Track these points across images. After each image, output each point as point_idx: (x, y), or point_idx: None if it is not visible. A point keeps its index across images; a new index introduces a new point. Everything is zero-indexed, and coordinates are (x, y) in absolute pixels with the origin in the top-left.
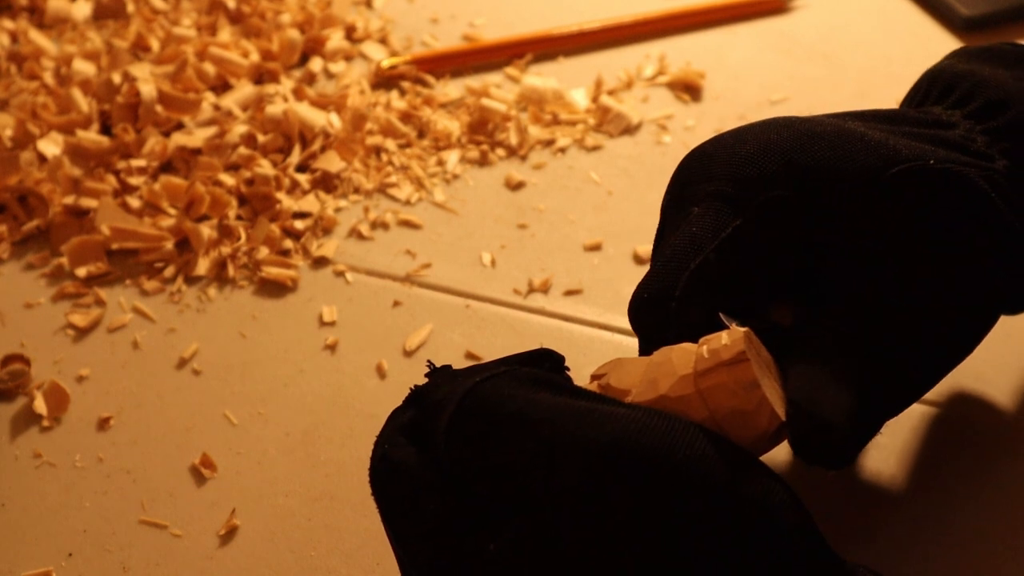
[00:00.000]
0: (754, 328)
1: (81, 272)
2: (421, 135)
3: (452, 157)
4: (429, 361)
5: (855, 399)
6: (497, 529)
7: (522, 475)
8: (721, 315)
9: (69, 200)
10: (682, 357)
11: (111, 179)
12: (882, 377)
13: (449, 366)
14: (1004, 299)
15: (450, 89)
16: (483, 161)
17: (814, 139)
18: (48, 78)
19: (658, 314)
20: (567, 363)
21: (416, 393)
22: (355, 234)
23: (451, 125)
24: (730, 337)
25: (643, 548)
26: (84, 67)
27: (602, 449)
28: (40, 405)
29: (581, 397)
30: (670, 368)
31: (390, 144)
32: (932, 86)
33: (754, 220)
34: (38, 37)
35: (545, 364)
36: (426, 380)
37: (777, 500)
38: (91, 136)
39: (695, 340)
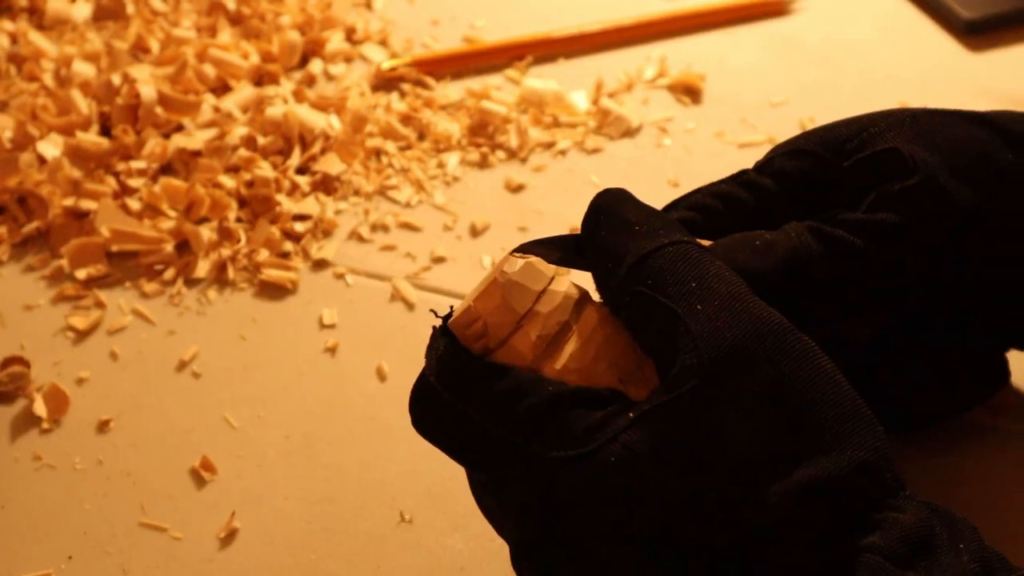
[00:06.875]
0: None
1: (81, 274)
2: (421, 137)
3: (452, 159)
4: (432, 310)
5: None
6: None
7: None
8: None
9: (69, 202)
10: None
11: (111, 181)
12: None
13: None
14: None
15: (450, 91)
16: (483, 163)
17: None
18: (48, 79)
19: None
20: None
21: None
22: (355, 236)
23: (451, 127)
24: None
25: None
26: (84, 68)
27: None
28: (40, 407)
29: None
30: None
31: (390, 146)
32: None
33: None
34: (38, 38)
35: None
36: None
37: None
38: (91, 138)
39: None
